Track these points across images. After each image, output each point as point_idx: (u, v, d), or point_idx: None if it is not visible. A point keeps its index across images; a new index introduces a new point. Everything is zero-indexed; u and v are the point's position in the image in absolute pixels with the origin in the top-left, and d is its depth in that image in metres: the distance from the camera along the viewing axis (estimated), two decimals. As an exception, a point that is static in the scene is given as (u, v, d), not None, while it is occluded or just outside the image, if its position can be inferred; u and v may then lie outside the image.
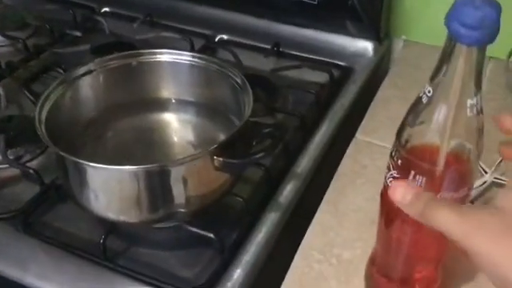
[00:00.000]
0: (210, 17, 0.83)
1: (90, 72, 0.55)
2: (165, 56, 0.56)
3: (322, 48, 0.76)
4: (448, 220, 0.32)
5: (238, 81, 0.52)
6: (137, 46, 0.76)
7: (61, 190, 0.55)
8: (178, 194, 0.47)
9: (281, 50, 0.76)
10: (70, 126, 0.54)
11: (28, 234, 0.52)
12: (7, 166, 0.59)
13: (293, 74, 0.74)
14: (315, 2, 0.75)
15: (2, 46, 0.80)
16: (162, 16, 0.83)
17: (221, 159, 0.45)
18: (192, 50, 0.76)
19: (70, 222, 0.54)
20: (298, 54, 0.75)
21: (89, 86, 0.56)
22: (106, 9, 0.86)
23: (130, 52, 0.57)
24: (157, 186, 0.46)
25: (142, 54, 0.56)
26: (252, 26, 0.81)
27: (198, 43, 0.78)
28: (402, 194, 0.34)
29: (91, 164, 0.45)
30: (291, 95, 0.70)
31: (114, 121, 0.57)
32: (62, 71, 0.55)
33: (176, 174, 0.45)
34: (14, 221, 0.53)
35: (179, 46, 0.78)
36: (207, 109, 0.57)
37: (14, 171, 0.59)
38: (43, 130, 0.48)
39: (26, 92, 0.53)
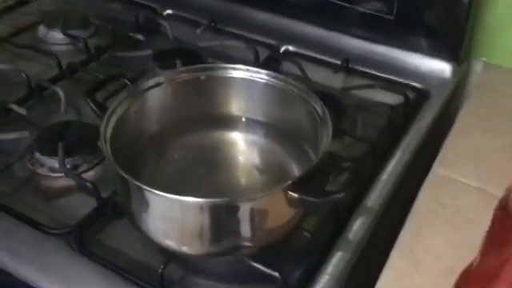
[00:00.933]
0: (275, 25, 0.79)
1: (158, 85, 0.52)
2: (239, 72, 0.53)
3: (395, 66, 0.71)
4: None
5: (318, 109, 0.48)
6: (200, 53, 0.73)
7: (118, 207, 0.52)
8: (245, 228, 0.43)
9: (350, 66, 0.72)
10: (133, 141, 0.51)
11: (81, 253, 0.49)
12: (63, 175, 0.57)
13: (361, 93, 0.69)
14: (391, 17, 0.70)
15: (62, 44, 0.78)
16: (225, 22, 0.80)
17: (296, 195, 0.41)
18: (257, 60, 0.72)
19: (126, 242, 0.51)
20: (368, 71, 0.71)
21: (156, 100, 0.53)
22: (169, 11, 0.83)
23: (200, 66, 0.54)
24: (222, 220, 0.43)
25: (214, 69, 0.53)
26: (320, 39, 0.76)
27: (263, 53, 0.74)
28: None
29: (156, 192, 0.42)
30: (360, 117, 0.66)
31: (178, 136, 0.54)
32: (127, 81, 0.53)
33: (245, 208, 0.42)
34: (67, 236, 0.51)
35: (243, 56, 0.74)
36: (278, 132, 0.53)
37: (70, 181, 0.57)
38: (108, 149, 0.45)
39: (91, 103, 0.50)
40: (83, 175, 0.57)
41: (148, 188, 0.42)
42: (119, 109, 0.49)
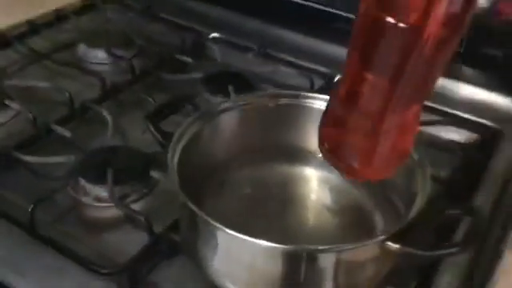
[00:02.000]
0: (328, 53, 0.75)
1: (227, 110, 0.48)
2: (319, 102, 0.48)
3: (464, 103, 0.67)
4: None
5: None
6: (249, 78, 0.69)
7: (174, 244, 0.47)
8: (323, 280, 0.38)
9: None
10: (197, 169, 0.46)
11: (134, 297, 0.44)
12: (110, 205, 0.51)
13: (427, 129, 0.64)
14: (460, 50, 0.66)
15: (103, 63, 0.74)
16: (275, 47, 0.76)
17: (396, 247, 0.35)
18: (312, 89, 0.68)
19: (183, 284, 0.46)
20: (435, 107, 0.66)
21: (224, 126, 0.49)
22: (215, 34, 0.80)
23: (276, 92, 0.51)
24: (300, 269, 0.37)
25: (291, 96, 0.49)
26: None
27: (317, 82, 0.70)
28: None
29: (229, 231, 0.37)
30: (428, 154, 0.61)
31: (245, 167, 0.50)
32: (191, 106, 0.48)
33: (331, 258, 0.37)
34: (118, 277, 0.45)
35: (296, 82, 0.70)
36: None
37: (117, 212, 0.51)
38: (176, 179, 0.40)
39: (153, 129, 0.45)
40: (133, 206, 0.52)
41: (221, 226, 0.37)
42: (185, 135, 0.44)
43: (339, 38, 0.75)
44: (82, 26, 0.81)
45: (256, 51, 0.74)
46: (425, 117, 0.64)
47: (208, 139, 0.48)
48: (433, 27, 0.31)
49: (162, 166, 0.55)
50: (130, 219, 0.50)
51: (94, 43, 0.75)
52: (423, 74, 0.34)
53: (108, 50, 0.73)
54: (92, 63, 0.74)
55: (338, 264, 0.37)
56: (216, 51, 0.75)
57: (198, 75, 0.68)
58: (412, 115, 0.37)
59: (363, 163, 0.38)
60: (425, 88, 0.36)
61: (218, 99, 0.65)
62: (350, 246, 0.36)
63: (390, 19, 0.31)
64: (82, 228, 0.50)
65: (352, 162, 0.38)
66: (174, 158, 0.42)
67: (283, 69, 0.71)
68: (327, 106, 0.39)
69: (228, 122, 0.49)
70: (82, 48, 0.76)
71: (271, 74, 0.71)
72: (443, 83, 0.68)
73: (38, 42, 0.76)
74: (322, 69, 0.72)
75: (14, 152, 0.55)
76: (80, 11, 0.84)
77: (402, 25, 0.31)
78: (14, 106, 0.61)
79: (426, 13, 0.31)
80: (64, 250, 0.46)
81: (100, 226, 0.51)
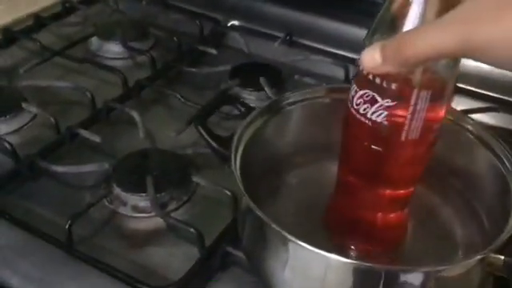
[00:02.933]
0: (359, 38, 0.70)
1: (293, 104, 0.44)
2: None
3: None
4: (433, 34, 0.28)
5: (505, 159, 0.39)
6: (280, 69, 0.65)
7: (228, 256, 0.43)
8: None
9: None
10: (257, 169, 0.42)
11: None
12: (152, 215, 0.47)
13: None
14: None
15: (120, 58, 0.69)
16: (302, 34, 0.71)
17: (501, 258, 0.32)
18: (347, 78, 0.64)
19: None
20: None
21: (285, 123, 0.45)
22: (235, 22, 0.75)
23: (330, 86, 0.46)
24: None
25: (343, 90, 0.44)
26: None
27: (353, 69, 0.65)
28: (371, 55, 0.31)
29: (304, 245, 0.33)
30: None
31: (306, 165, 0.46)
32: (240, 106, 0.44)
33: (418, 278, 0.33)
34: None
35: (330, 72, 0.66)
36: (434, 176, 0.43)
37: (159, 223, 0.47)
38: (242, 186, 0.36)
39: (203, 132, 0.41)
40: (172, 214, 0.48)
41: (295, 240, 0.33)
42: (244, 136, 0.40)
43: (369, 21, 0.72)
44: (91, 17, 0.76)
45: (282, 39, 0.70)
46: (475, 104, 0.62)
47: (269, 138, 0.44)
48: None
49: (202, 169, 0.52)
50: (174, 230, 0.46)
51: (107, 36, 0.70)
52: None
53: (124, 43, 0.68)
54: (108, 58, 0.69)
55: (428, 283, 0.33)
56: (239, 40, 0.70)
57: (225, 67, 0.64)
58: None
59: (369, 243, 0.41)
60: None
61: (250, 93, 0.61)
62: (448, 266, 0.32)
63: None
64: (122, 242, 0.46)
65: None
66: (236, 161, 0.38)
67: (314, 57, 0.67)
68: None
69: (289, 118, 0.45)
70: (95, 42, 0.70)
71: (302, 63, 0.67)
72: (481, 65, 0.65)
73: (46, 37, 0.70)
74: (355, 55, 0.68)
75: (40, 161, 0.50)
76: (88, 1, 0.78)
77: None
78: (32, 108, 0.56)
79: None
80: (107, 267, 0.42)
81: (142, 239, 0.47)
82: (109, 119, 0.58)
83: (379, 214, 0.40)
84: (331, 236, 0.42)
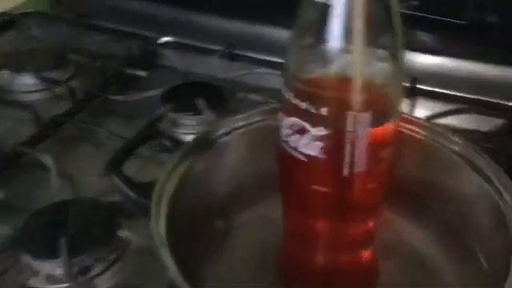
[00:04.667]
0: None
1: (227, 134, 0.36)
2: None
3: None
4: None
5: (502, 190, 0.31)
6: (222, 86, 0.56)
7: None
8: None
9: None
10: (190, 220, 0.33)
11: None
12: (68, 286, 0.38)
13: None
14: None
15: (34, 91, 0.59)
16: (242, 46, 0.64)
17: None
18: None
19: None
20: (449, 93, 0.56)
21: (227, 154, 0.36)
22: (167, 38, 0.67)
23: (272, 107, 0.37)
24: None
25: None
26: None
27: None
28: None
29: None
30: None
31: (257, 202, 0.37)
32: (165, 141, 0.35)
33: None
34: None
35: (280, 85, 0.58)
36: (419, 207, 0.36)
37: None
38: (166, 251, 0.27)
39: (118, 180, 0.32)
40: (97, 280, 0.38)
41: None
42: (172, 181, 0.32)
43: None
44: (1, 47, 0.66)
45: (221, 53, 0.62)
46: (442, 107, 0.55)
47: (203, 178, 0.35)
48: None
49: (134, 219, 0.43)
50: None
51: (18, 67, 0.60)
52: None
53: (37, 74, 0.59)
54: (20, 92, 0.59)
55: None
56: (172, 58, 0.62)
57: (155, 92, 0.55)
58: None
59: None
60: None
61: (189, 118, 0.53)
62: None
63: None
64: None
65: None
66: (158, 218, 0.29)
67: (259, 70, 0.59)
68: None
69: (225, 151, 0.36)
70: (4, 75, 0.61)
71: (245, 78, 0.59)
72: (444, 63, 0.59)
73: None
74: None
75: None
76: (-3, 30, 0.69)
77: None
78: None
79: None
80: None
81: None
82: (18, 167, 0.49)
83: (337, 257, 0.32)
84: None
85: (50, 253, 0.38)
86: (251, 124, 0.37)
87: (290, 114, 0.27)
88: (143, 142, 0.39)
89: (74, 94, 0.56)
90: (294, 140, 0.27)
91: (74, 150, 0.52)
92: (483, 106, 0.51)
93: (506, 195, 0.31)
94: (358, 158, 0.27)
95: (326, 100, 0.26)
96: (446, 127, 0.38)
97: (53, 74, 0.60)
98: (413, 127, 0.36)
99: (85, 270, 0.39)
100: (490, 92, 0.54)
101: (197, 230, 0.34)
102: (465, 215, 0.34)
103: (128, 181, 0.33)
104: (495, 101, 0.53)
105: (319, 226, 0.30)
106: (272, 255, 0.34)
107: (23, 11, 0.73)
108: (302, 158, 0.27)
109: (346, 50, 0.26)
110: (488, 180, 0.33)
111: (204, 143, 0.36)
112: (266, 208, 0.38)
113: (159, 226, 0.29)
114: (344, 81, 0.26)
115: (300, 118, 0.27)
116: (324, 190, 0.28)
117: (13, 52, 0.64)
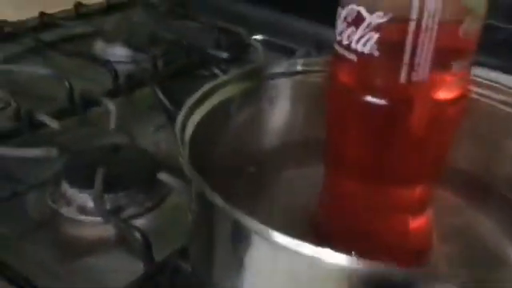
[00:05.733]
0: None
1: (283, 75, 0.32)
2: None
3: None
4: None
5: None
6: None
7: (178, 275, 0.31)
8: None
9: None
10: (226, 156, 0.30)
11: None
12: (98, 219, 0.36)
13: None
14: None
15: (123, 62, 0.61)
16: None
17: None
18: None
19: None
20: None
21: (277, 98, 0.33)
22: (258, 36, 0.66)
23: None
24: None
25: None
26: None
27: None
28: None
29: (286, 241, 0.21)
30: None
31: (294, 164, 0.33)
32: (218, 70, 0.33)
33: None
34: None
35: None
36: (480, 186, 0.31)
37: (107, 230, 0.36)
38: (188, 165, 0.25)
39: (159, 93, 0.31)
40: (130, 222, 0.36)
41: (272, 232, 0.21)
42: (205, 104, 0.30)
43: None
44: (103, 24, 0.70)
45: (307, 54, 0.60)
46: None
47: (243, 117, 0.32)
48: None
49: (174, 171, 0.41)
50: (122, 241, 0.35)
51: (113, 39, 0.63)
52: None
53: (128, 46, 0.60)
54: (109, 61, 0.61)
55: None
56: (258, 55, 0.61)
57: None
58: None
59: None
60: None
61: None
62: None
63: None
64: (56, 251, 0.35)
65: None
66: (184, 132, 0.27)
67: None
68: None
69: (286, 92, 0.33)
70: (99, 44, 0.63)
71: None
72: None
73: (49, 36, 0.64)
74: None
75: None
76: (103, 11, 0.73)
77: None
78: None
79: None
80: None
81: (82, 250, 0.35)
82: (90, 117, 0.49)
83: (388, 219, 0.27)
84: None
85: (86, 184, 0.37)
86: (307, 72, 0.34)
87: (347, 1, 0.23)
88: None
89: (156, 66, 0.56)
90: (348, 34, 0.23)
91: (140, 113, 0.51)
92: None
93: None
94: (419, 61, 0.22)
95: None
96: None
97: (142, 49, 0.61)
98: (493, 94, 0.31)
99: (118, 209, 0.37)
100: None
101: (228, 177, 0.31)
102: None
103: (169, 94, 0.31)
104: None
105: (371, 178, 0.26)
106: (308, 212, 0.30)
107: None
108: (353, 57, 0.23)
109: None
110: None
111: (246, 79, 0.33)
112: (308, 172, 0.34)
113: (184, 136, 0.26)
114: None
115: (357, 1, 0.23)
116: (378, 102, 0.23)
117: (111, 29, 0.67)
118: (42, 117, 0.44)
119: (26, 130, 0.44)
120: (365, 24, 0.23)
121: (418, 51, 0.22)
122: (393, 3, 0.22)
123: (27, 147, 0.41)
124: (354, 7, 0.23)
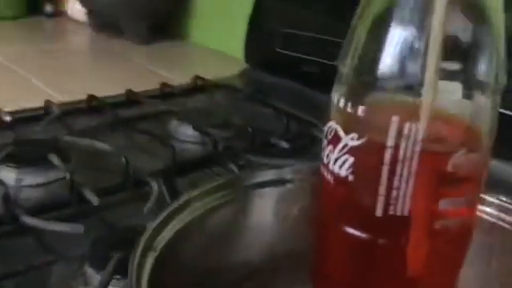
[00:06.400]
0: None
1: (272, 184, 0.30)
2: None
3: None
4: None
5: None
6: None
7: None
8: None
9: None
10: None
11: None
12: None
13: None
14: None
15: (190, 141, 0.62)
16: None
17: None
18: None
19: None
20: None
21: (262, 210, 0.31)
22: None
23: None
24: None
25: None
26: None
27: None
28: None
29: None
30: None
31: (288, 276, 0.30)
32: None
33: None
34: None
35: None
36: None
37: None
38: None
39: (161, 184, 0.30)
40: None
41: None
42: (176, 220, 0.28)
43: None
44: (184, 104, 0.73)
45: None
46: None
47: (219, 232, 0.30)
48: None
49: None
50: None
51: (185, 119, 0.65)
52: None
53: (197, 127, 0.62)
54: (178, 140, 0.63)
55: None
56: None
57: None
58: None
59: None
60: None
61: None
62: None
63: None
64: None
65: None
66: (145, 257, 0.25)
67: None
68: None
69: (271, 202, 0.31)
70: (173, 123, 0.66)
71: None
72: None
73: (128, 113, 0.68)
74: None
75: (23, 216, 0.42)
76: (187, 92, 0.76)
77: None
78: (56, 162, 0.50)
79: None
80: None
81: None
82: (141, 195, 0.50)
83: None
84: None
85: (103, 266, 0.37)
86: (292, 181, 0.30)
87: (331, 117, 0.22)
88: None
89: (216, 145, 0.57)
90: (327, 154, 0.21)
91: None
92: None
93: None
94: (398, 194, 0.19)
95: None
96: None
97: (213, 130, 0.62)
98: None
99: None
100: None
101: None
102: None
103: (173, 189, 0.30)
104: None
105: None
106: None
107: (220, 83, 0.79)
108: (331, 179, 0.21)
109: None
110: None
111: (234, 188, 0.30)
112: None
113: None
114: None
115: (336, 119, 0.21)
116: (358, 234, 0.20)
117: (192, 109, 0.70)
118: (86, 192, 0.45)
119: (74, 202, 0.46)
120: (340, 145, 0.20)
121: (395, 183, 0.19)
122: (368, 126, 0.20)
123: (71, 221, 0.43)
124: (332, 125, 0.21)
